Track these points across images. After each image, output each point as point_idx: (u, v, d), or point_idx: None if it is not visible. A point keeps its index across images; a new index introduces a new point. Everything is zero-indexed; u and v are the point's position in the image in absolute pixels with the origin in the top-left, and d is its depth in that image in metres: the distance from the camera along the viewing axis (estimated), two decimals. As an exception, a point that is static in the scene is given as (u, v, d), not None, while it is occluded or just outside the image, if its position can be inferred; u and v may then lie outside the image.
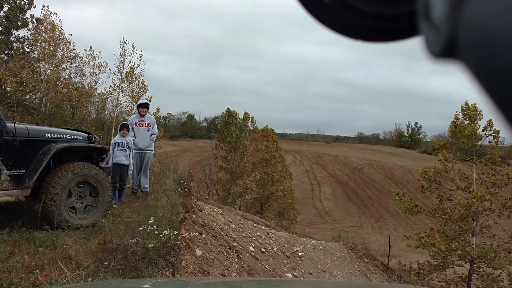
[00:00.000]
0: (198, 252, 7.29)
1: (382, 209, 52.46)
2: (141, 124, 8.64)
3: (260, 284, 2.50)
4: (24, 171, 5.49)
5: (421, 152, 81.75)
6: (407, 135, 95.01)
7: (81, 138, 6.39)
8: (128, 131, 8.32)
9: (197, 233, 7.76)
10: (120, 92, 22.33)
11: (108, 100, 22.98)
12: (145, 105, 8.85)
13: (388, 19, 0.45)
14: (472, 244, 15.92)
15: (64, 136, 6.09)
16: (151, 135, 8.72)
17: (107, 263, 4.32)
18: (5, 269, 3.90)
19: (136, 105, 9.66)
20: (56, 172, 5.72)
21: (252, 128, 39.96)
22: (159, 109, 25.29)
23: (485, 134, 16.10)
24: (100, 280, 3.39)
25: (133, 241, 4.66)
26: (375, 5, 0.45)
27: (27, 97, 20.70)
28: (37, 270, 3.93)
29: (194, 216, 8.79)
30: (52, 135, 5.93)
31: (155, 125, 8.92)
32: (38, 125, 6.92)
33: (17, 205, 6.09)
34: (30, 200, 6.00)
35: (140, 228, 5.04)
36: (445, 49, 0.34)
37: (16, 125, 5.37)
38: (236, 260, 8.71)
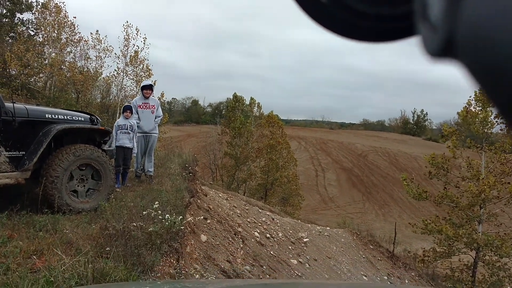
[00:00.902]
0: (203, 237, 7.14)
1: (387, 196, 52.45)
2: (145, 106, 8.40)
3: (263, 287, 2.38)
4: (23, 152, 5.29)
5: (426, 139, 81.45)
6: (412, 122, 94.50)
7: (82, 119, 6.17)
8: (132, 113, 8.10)
9: (202, 218, 7.60)
10: (125, 76, 22.31)
11: (113, 84, 22.95)
12: (149, 87, 8.60)
13: (385, 20, 0.45)
14: (479, 232, 15.79)
15: (65, 117, 5.87)
16: (155, 118, 8.49)
17: (108, 249, 4.15)
18: (3, 254, 3.73)
19: (140, 86, 9.39)
20: (57, 154, 5.52)
21: (257, 114, 39.71)
22: (163, 94, 25.11)
23: (496, 121, 15.80)
24: (99, 284, 3.22)
25: (135, 225, 4.48)
26: (373, 5, 0.45)
27: (31, 80, 20.63)
28: (35, 256, 3.76)
29: (199, 201, 8.64)
30: (53, 116, 5.71)
31: (160, 108, 8.68)
32: (39, 105, 6.70)
33: (17, 188, 5.91)
34: (31, 183, 5.81)
35: (144, 213, 4.86)
36: (443, 49, 0.35)
37: (15, 105, 5.16)
38: (241, 245, 8.59)
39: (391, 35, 0.46)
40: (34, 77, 20.81)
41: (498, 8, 0.29)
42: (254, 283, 2.14)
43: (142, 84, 8.88)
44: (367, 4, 0.44)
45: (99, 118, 6.57)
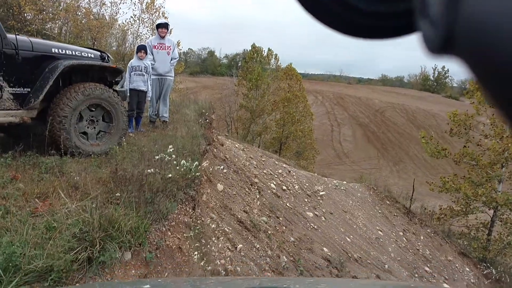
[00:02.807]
0: (220, 186, 6.85)
1: (402, 152, 52.05)
2: (161, 47, 7.88)
3: (265, 283, 2.26)
4: (29, 89, 4.89)
5: (446, 96, 79.61)
6: (432, 79, 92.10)
7: (92, 56, 5.71)
8: (146, 53, 7.59)
9: (219, 167, 7.28)
10: (141, 24, 21.82)
11: (129, 32, 22.48)
12: (165, 25, 8.01)
13: (385, 17, 0.44)
14: (499, 191, 15.44)
15: (74, 53, 5.41)
16: (171, 60, 7.99)
17: (119, 194, 3.80)
18: (3, 196, 3.41)
19: (155, 25, 8.80)
20: (65, 92, 5.10)
21: (274, 66, 38.91)
22: (179, 42, 24.55)
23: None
24: (101, 282, 2.89)
25: (149, 171, 4.10)
26: (372, 3, 0.44)
27: (47, 26, 20.21)
28: (39, 199, 3.43)
29: (215, 150, 8.31)
30: (60, 50, 5.24)
31: (176, 49, 8.15)
32: (44, 39, 6.22)
33: (24, 129, 5.58)
34: (38, 124, 5.45)
35: (157, 157, 4.48)
36: (443, 45, 0.35)
37: (18, 37, 4.71)
38: (258, 196, 8.35)
39: (390, 33, 0.45)
40: (50, 23, 20.37)
41: (498, 4, 0.28)
42: (265, 284, 1.97)
43: (157, 22, 8.29)
44: (366, 1, 0.44)
45: (110, 56, 6.09)
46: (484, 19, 0.29)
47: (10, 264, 2.50)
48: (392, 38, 0.45)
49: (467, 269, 13.11)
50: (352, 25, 0.45)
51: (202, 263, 4.10)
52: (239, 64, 57.48)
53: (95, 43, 20.45)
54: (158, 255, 3.59)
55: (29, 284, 2.56)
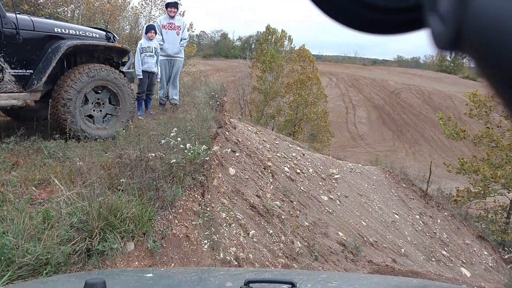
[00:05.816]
0: (232, 170, 6.65)
1: (418, 134, 51.38)
2: (170, 27, 7.63)
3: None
4: (31, 71, 4.69)
5: (463, 77, 78.06)
6: (449, 59, 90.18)
7: (97, 36, 5.49)
8: (156, 33, 7.39)
9: (230, 150, 7.07)
10: (153, 7, 21.66)
11: (141, 15, 22.33)
12: (175, 5, 7.73)
13: (394, 12, 0.44)
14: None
15: (78, 32, 5.19)
16: (181, 40, 7.76)
17: (123, 180, 3.60)
18: (2, 182, 3.23)
19: (164, 4, 8.52)
20: (69, 74, 4.90)
21: (288, 48, 38.41)
22: (192, 25, 24.25)
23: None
24: (104, 269, 2.70)
25: (152, 155, 3.89)
26: None
27: (59, 10, 20.15)
28: (34, 187, 3.25)
29: (227, 133, 8.10)
30: (63, 30, 5.02)
31: (186, 29, 7.91)
32: (47, 18, 6.00)
33: (28, 112, 5.41)
34: (42, 108, 5.26)
35: (163, 141, 4.26)
36: (452, 41, 0.35)
37: (18, 16, 4.50)
38: (271, 180, 8.16)
39: (400, 28, 0.44)
40: (63, 7, 20.31)
41: (507, 0, 0.29)
42: (276, 277, 1.85)
43: (167, 1, 8.01)
44: None
45: (116, 36, 5.87)
46: (493, 15, 0.29)
47: (3, 258, 2.35)
48: (400, 34, 0.44)
49: (485, 252, 12.87)
50: (359, 20, 0.44)
51: (211, 252, 3.93)
52: (253, 46, 56.99)
53: (108, 26, 20.38)
54: (164, 245, 3.40)
55: (23, 278, 2.41)
